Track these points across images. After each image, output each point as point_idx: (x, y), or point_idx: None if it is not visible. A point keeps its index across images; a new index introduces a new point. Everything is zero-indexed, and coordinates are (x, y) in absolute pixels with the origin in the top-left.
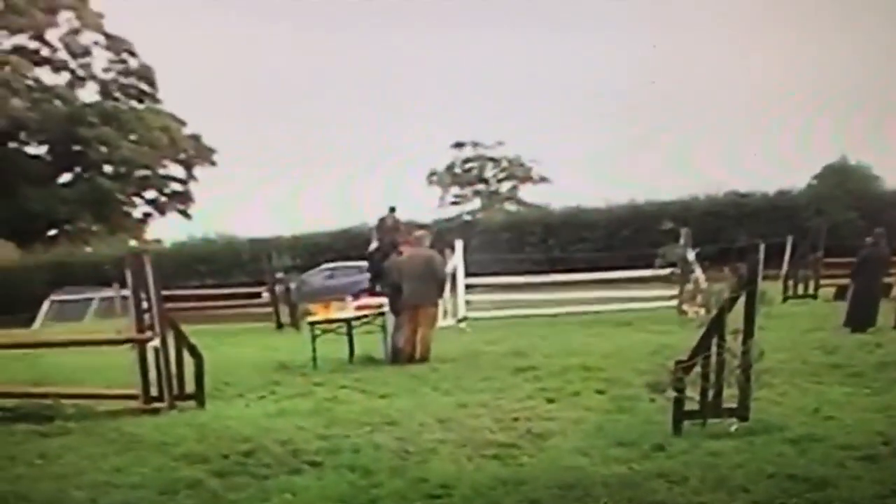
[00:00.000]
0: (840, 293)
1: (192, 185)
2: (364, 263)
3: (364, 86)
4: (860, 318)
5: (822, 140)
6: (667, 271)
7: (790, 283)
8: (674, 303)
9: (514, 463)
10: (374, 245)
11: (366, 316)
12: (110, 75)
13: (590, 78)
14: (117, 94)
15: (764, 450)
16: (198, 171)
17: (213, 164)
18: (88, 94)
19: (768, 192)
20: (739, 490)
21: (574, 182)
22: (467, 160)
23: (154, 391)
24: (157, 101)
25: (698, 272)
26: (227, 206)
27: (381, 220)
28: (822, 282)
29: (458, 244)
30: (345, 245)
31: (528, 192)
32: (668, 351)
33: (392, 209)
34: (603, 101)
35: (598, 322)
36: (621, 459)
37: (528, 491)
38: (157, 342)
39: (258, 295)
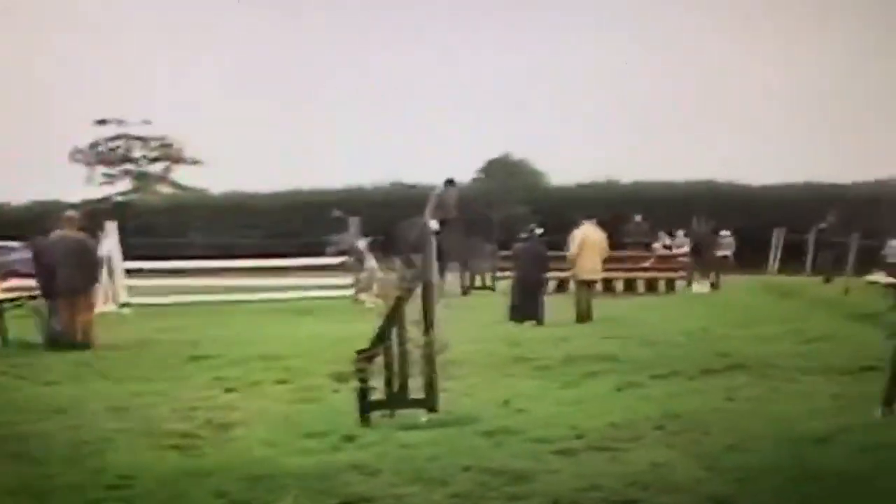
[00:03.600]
0: None
1: None
2: (15, 243)
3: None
4: (522, 311)
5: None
6: (339, 260)
7: (467, 274)
8: (351, 292)
9: (198, 454)
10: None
11: (17, 298)
12: None
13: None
14: None
15: (457, 442)
16: None
17: None
18: None
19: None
20: (437, 483)
21: (233, 165)
22: (112, 138)
23: None
24: None
25: (372, 261)
26: None
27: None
28: (500, 274)
29: (112, 226)
30: None
31: (184, 175)
32: (353, 341)
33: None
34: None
35: (277, 311)
36: (311, 451)
37: (216, 482)
38: None
39: None
